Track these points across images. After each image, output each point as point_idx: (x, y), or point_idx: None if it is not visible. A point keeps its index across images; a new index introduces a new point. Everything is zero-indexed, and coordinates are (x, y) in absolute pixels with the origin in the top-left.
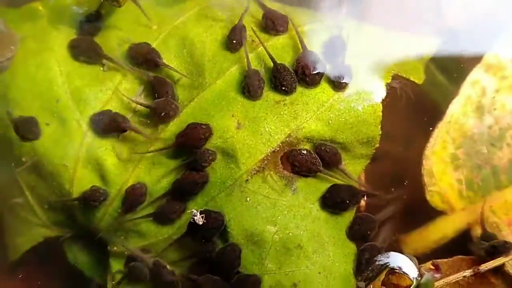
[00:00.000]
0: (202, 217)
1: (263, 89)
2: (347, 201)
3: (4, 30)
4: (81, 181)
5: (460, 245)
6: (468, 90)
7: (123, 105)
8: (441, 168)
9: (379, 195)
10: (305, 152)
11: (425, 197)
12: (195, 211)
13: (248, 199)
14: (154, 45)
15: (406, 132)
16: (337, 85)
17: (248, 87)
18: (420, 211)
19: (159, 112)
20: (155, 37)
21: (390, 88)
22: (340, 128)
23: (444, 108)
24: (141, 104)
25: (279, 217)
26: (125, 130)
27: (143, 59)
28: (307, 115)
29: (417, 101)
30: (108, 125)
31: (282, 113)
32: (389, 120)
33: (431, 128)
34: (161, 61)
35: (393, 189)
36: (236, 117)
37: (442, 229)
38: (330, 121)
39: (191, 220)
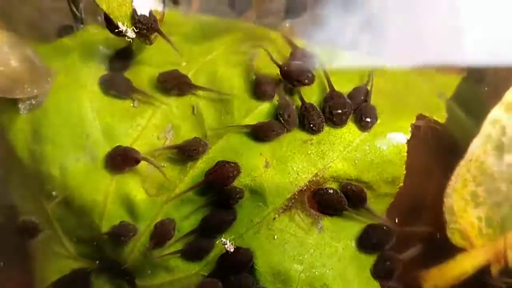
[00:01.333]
0: (232, 244)
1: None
2: (384, 242)
3: (39, 63)
4: (111, 216)
5: (480, 281)
6: (488, 129)
7: (152, 141)
8: (461, 206)
9: (407, 231)
10: (331, 191)
11: (446, 233)
12: (224, 240)
13: (275, 237)
14: None
15: (427, 168)
16: (363, 125)
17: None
18: (440, 248)
19: (188, 149)
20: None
21: (414, 127)
22: (365, 168)
23: (464, 144)
24: (171, 147)
25: (306, 256)
26: (138, 161)
27: (176, 82)
28: (334, 155)
29: (438, 137)
30: (121, 160)
31: (309, 152)
32: (410, 155)
33: (451, 165)
34: (194, 84)
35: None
36: (264, 155)
37: (462, 266)
38: (356, 161)
39: (223, 247)
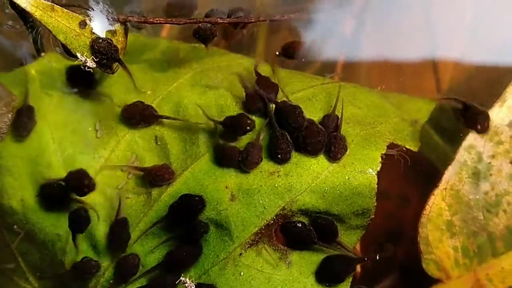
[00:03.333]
0: (192, 281)
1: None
2: (344, 272)
3: (3, 93)
4: (73, 251)
5: None
6: (464, 155)
7: (115, 173)
8: (437, 236)
9: (373, 258)
10: (299, 225)
11: (421, 264)
12: (184, 279)
13: (241, 273)
14: None
15: (402, 191)
16: (332, 156)
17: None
18: (416, 278)
19: (153, 174)
20: (149, 103)
21: (386, 156)
22: (335, 201)
23: (440, 167)
24: (137, 169)
25: None
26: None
27: (140, 116)
28: (302, 187)
29: (413, 161)
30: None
31: (276, 185)
32: (384, 178)
33: (426, 190)
34: (161, 114)
35: (387, 249)
36: (229, 188)
37: None
38: (325, 194)
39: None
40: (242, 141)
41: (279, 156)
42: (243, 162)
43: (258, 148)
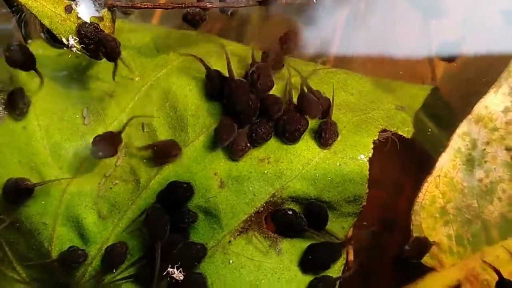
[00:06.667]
0: (180, 271)
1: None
2: (330, 259)
3: None
4: (60, 240)
5: None
6: (458, 142)
7: (103, 161)
8: (430, 224)
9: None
10: (290, 212)
11: None
12: (171, 269)
13: (231, 261)
14: (136, 98)
15: (395, 179)
16: (323, 142)
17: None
18: (409, 266)
19: (163, 150)
20: (137, 89)
21: (379, 142)
22: (326, 188)
23: (433, 154)
24: (145, 148)
25: (263, 281)
26: None
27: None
28: (292, 174)
29: (407, 148)
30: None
31: (266, 171)
32: (377, 166)
33: (420, 178)
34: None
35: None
36: (218, 175)
37: (431, 286)
38: (316, 181)
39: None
40: None
41: (254, 137)
42: (230, 150)
43: (244, 135)
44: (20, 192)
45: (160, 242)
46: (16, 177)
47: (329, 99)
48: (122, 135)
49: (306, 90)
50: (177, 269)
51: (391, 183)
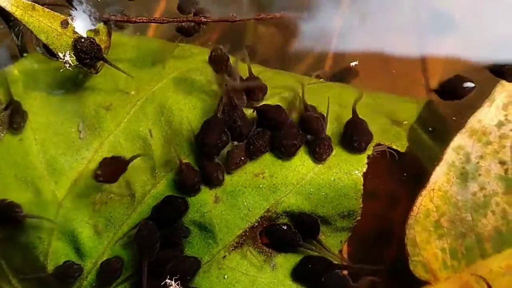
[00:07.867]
0: (177, 284)
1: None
2: (323, 273)
3: None
4: (56, 254)
5: None
6: (452, 156)
7: None
8: (424, 237)
9: (356, 267)
10: (285, 227)
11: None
12: (169, 281)
13: (226, 276)
14: (132, 112)
15: (390, 191)
16: (318, 157)
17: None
18: (404, 280)
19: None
20: (133, 103)
21: (373, 156)
22: (320, 202)
23: (429, 166)
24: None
25: None
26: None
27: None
28: (287, 189)
29: (401, 160)
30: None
31: (261, 186)
32: (373, 179)
33: (416, 190)
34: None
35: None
36: (213, 190)
37: None
38: (310, 195)
39: None
40: None
41: (251, 149)
42: (225, 164)
43: (240, 149)
44: (9, 218)
45: (148, 260)
46: (11, 200)
47: (323, 115)
48: (120, 148)
49: (304, 108)
50: (175, 282)
51: (387, 195)
